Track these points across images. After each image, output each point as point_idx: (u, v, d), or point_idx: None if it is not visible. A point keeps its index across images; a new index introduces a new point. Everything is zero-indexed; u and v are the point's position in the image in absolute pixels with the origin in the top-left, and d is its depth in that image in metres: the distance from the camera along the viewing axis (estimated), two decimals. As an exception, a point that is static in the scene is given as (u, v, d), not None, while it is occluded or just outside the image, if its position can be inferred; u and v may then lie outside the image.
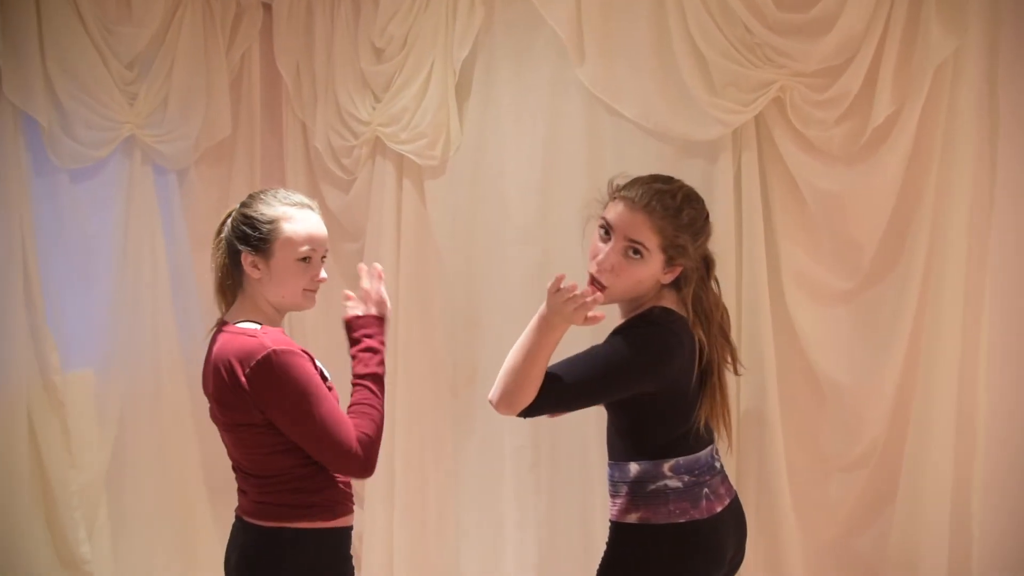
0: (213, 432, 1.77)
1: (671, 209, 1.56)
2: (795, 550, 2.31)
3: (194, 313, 2.98)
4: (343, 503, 1.68)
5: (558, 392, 1.53)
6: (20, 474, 2.53)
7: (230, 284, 1.69)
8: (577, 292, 1.46)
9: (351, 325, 1.71)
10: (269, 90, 3.16)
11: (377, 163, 2.88)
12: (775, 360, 2.28)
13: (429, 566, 2.91)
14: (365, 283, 1.74)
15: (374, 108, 2.85)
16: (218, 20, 2.94)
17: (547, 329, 1.49)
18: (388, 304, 1.74)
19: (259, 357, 1.53)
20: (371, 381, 1.66)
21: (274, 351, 1.54)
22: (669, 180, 1.62)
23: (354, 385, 1.66)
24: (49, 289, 2.61)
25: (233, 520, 1.74)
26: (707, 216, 1.64)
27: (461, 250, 2.78)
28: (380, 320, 1.72)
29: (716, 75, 2.25)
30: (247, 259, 1.63)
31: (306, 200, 1.69)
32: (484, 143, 2.71)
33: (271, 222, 1.62)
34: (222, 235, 1.69)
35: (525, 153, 2.62)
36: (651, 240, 1.55)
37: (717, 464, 1.69)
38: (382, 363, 1.68)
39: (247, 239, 1.63)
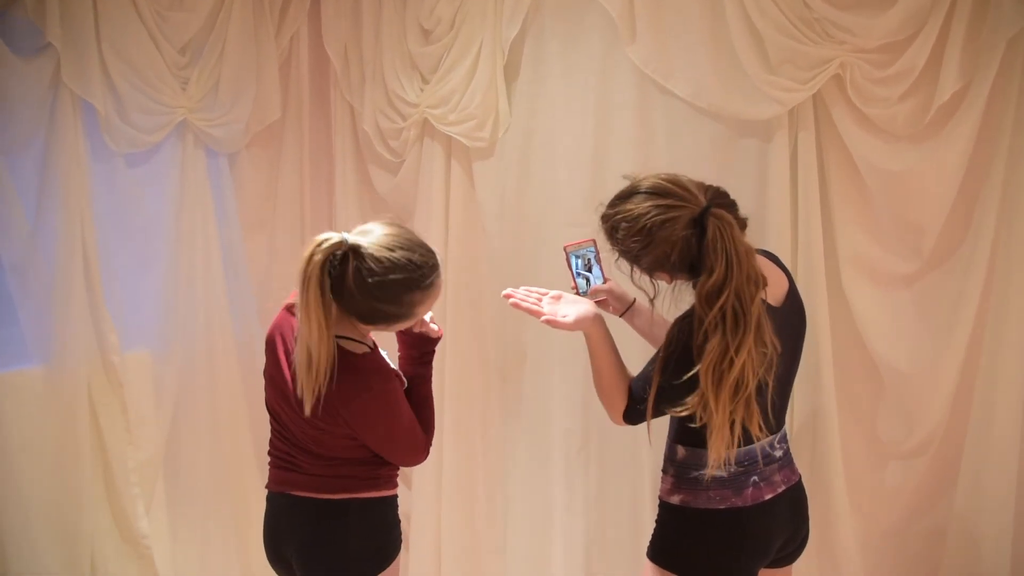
0: (264, 411, 1.82)
1: (613, 243, 1.63)
2: (851, 538, 2.27)
3: (246, 294, 3.03)
4: (396, 473, 1.81)
5: (636, 388, 1.66)
6: (82, 451, 2.60)
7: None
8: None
9: (432, 339, 1.83)
10: (317, 73, 3.17)
11: (425, 145, 2.88)
12: (831, 346, 2.23)
13: (477, 548, 2.93)
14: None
15: (422, 90, 2.83)
16: (267, 4, 2.95)
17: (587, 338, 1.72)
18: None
19: (364, 397, 1.61)
20: (431, 382, 1.85)
21: (375, 391, 1.63)
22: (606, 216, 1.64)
23: (424, 380, 1.83)
24: (107, 272, 2.67)
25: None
26: (647, 248, 1.55)
27: (510, 232, 2.76)
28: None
29: (772, 52, 2.18)
30: (368, 327, 1.68)
31: (427, 267, 1.61)
32: (533, 124, 2.68)
33: (401, 308, 1.61)
34: (325, 276, 1.53)
35: (575, 134, 2.59)
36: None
37: (777, 453, 1.66)
38: None
39: (374, 321, 1.64)
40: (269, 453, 1.81)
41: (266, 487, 1.82)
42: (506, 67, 2.67)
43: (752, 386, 1.46)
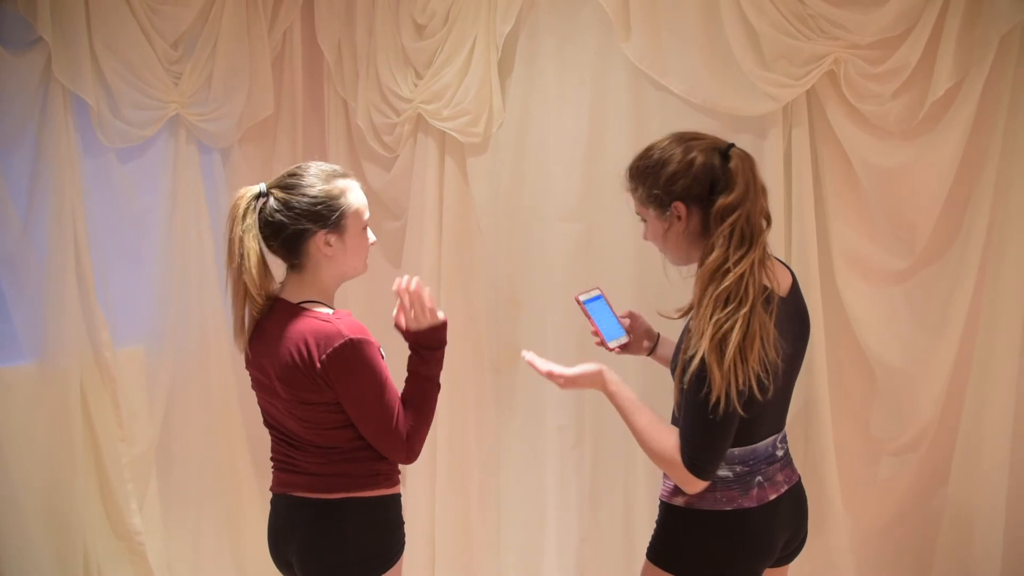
0: (256, 406, 1.80)
1: (636, 169, 1.60)
2: (844, 533, 2.28)
3: (239, 290, 3.01)
4: (398, 470, 1.75)
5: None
6: (75, 448, 2.59)
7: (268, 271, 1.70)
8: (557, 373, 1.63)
9: (441, 328, 1.71)
10: (311, 68, 3.15)
11: (419, 140, 2.87)
12: (824, 341, 2.23)
13: (471, 544, 2.93)
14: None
15: (416, 85, 2.83)
16: (260, -2, 2.94)
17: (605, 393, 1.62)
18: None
19: (337, 344, 1.58)
20: (437, 383, 1.73)
21: (352, 340, 1.58)
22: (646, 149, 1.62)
23: (429, 382, 1.71)
24: (100, 267, 2.66)
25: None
26: (672, 158, 1.53)
27: (504, 227, 2.76)
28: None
29: (767, 48, 2.18)
30: (322, 238, 1.65)
31: (340, 169, 1.73)
32: (527, 120, 2.67)
33: (339, 197, 1.66)
34: (249, 222, 1.67)
35: (569, 129, 2.58)
36: (636, 201, 1.60)
37: (779, 452, 1.65)
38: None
39: (321, 219, 1.64)
40: (271, 459, 1.79)
41: (270, 489, 1.80)
42: (500, 63, 2.66)
43: (753, 303, 1.42)
